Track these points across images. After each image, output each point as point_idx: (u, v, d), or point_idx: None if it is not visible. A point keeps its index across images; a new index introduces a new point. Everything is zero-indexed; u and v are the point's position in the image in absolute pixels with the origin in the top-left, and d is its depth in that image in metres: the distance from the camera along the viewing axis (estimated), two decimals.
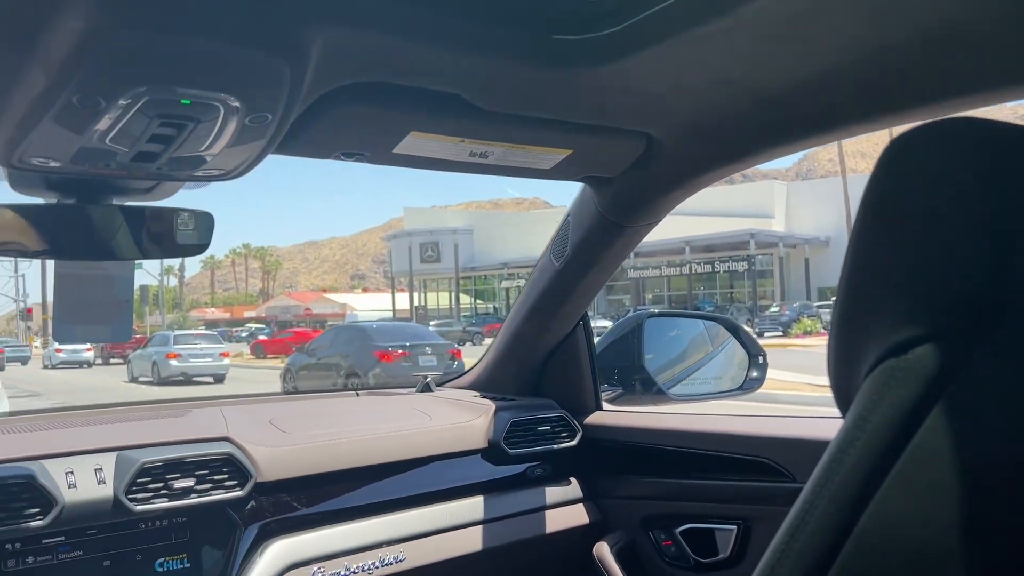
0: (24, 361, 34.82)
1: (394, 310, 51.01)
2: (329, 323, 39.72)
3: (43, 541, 1.21)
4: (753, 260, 37.07)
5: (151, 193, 1.20)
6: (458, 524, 1.62)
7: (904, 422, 0.45)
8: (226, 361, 20.71)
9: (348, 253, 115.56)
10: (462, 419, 1.76)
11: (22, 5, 0.75)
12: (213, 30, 0.80)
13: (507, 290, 43.61)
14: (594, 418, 1.90)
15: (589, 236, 1.65)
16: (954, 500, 0.43)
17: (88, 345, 27.37)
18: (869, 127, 1.16)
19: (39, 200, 1.17)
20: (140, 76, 0.82)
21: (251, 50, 0.84)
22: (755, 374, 1.92)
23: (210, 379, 20.17)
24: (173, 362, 20.07)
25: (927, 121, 0.51)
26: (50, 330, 1.35)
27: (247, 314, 63.35)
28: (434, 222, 51.85)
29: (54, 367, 29.72)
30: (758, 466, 1.59)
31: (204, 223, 1.24)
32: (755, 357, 1.92)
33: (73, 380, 22.11)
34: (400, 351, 13.17)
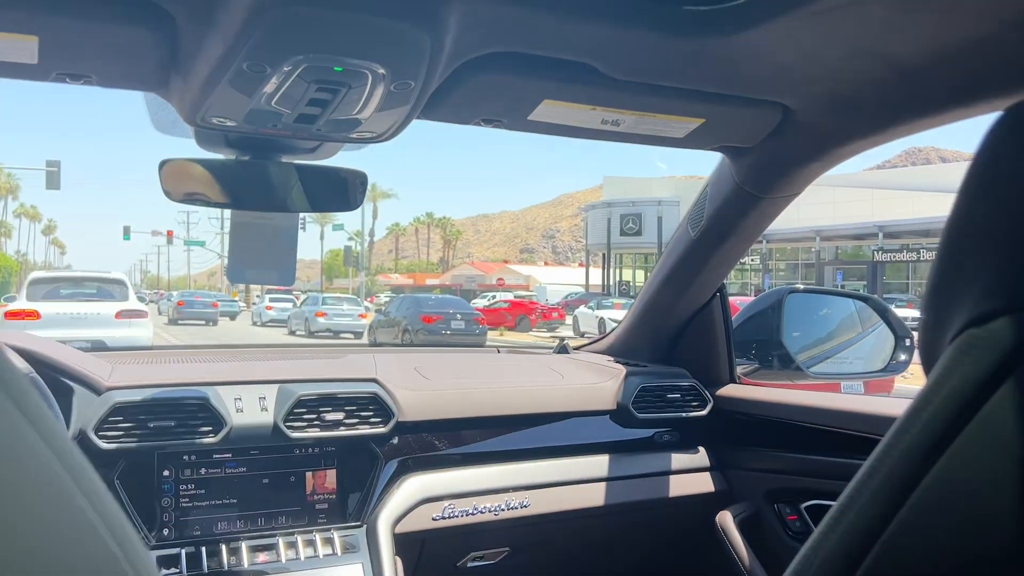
0: (232, 316, 34.06)
1: (587, 284, 48.47)
2: (516, 294, 39.93)
3: (214, 456, 1.42)
4: None
5: (314, 153, 1.36)
6: (583, 479, 1.70)
7: (975, 391, 0.46)
8: (363, 322, 24.06)
9: (517, 227, 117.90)
10: (593, 381, 1.83)
11: None
12: (362, 3, 0.90)
13: None
14: (727, 390, 1.91)
15: (726, 206, 1.66)
16: (1015, 472, 0.43)
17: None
18: (1009, 102, 1.10)
19: (221, 156, 1.36)
20: (299, 46, 0.94)
21: (395, 22, 0.93)
22: (902, 357, 1.85)
23: (350, 335, 23.65)
24: (320, 319, 24.00)
25: None
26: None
27: (429, 281, 65.35)
28: (636, 192, 46.94)
29: (264, 324, 29.81)
30: None
31: (360, 181, 1.38)
32: (902, 339, 1.86)
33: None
34: (438, 316, 18.90)
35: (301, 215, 1.47)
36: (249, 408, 1.45)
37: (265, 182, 1.34)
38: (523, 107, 1.26)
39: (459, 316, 19.30)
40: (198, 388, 1.43)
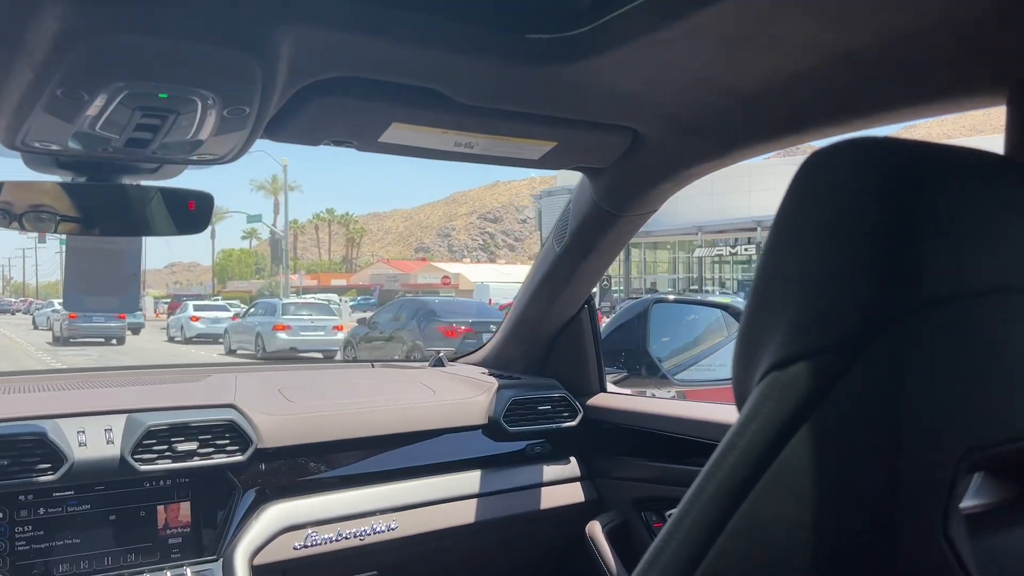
0: (136, 330, 26.75)
1: None
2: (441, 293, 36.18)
3: (54, 494, 1.33)
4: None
5: (157, 174, 1.29)
6: (452, 496, 1.69)
7: (775, 437, 0.47)
8: (339, 335, 16.90)
9: (411, 226, 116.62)
10: (465, 395, 1.82)
11: (7, 6, 0.83)
12: (182, 30, 0.86)
13: (701, 260, 36.30)
14: (596, 400, 1.94)
15: (586, 223, 1.69)
16: (814, 513, 0.44)
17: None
18: (839, 130, 1.15)
19: (56, 178, 1.27)
20: (116, 73, 0.89)
21: (221, 49, 0.89)
22: None
23: (319, 355, 16.32)
24: (281, 335, 16.78)
25: (840, 139, 0.52)
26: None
27: (335, 282, 62.31)
28: None
29: (188, 341, 22.71)
30: None
31: (205, 203, 1.32)
32: None
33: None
34: (464, 327, 12.93)
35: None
36: (93, 441, 1.37)
37: (103, 205, 1.27)
38: (372, 130, 1.24)
39: (492, 327, 11.70)
40: (34, 423, 1.34)
